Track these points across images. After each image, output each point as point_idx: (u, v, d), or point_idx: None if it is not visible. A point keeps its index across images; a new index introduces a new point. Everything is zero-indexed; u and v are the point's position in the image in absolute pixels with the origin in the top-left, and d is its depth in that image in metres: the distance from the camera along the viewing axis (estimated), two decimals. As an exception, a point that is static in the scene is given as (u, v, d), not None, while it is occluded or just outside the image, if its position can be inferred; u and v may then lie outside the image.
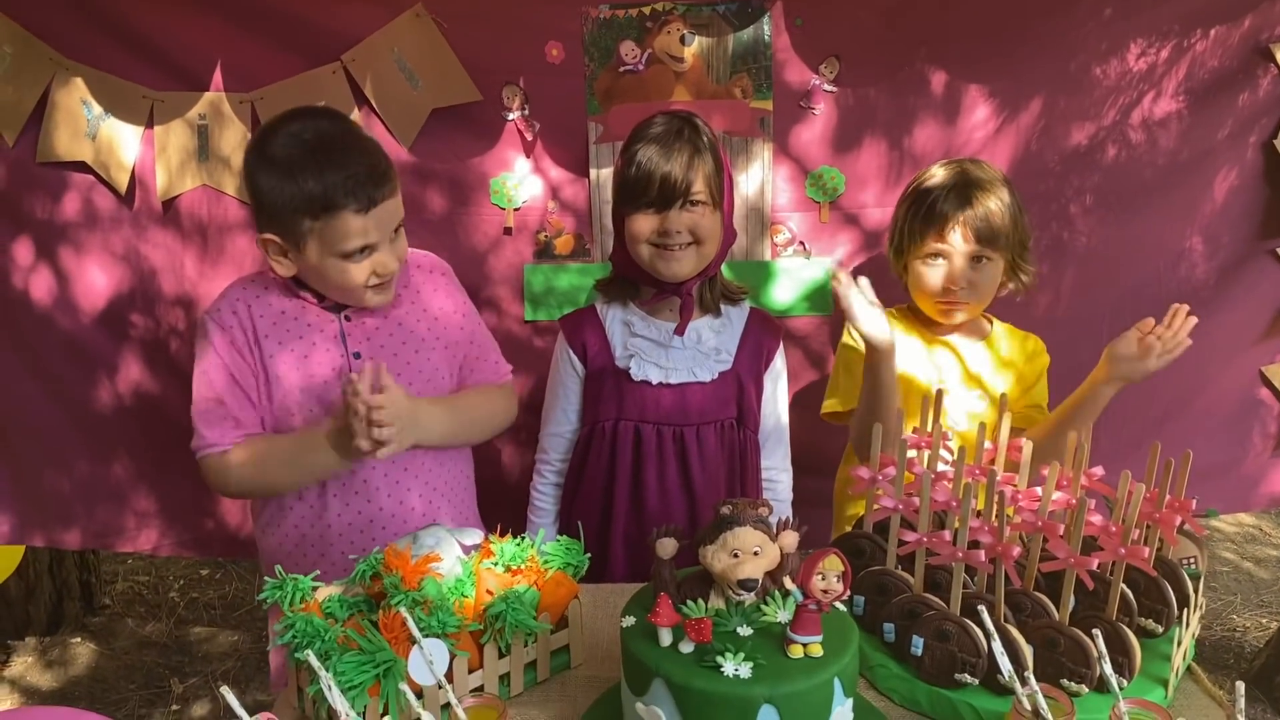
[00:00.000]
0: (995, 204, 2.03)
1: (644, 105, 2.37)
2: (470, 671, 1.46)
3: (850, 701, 1.29)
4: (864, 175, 2.44)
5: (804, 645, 1.25)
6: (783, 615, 1.29)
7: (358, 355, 1.91)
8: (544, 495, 2.14)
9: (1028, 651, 1.41)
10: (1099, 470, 1.62)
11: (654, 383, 2.00)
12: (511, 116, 2.41)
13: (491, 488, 2.22)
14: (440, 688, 1.31)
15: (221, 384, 1.88)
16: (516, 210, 2.47)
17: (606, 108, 2.41)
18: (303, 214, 1.74)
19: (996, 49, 2.36)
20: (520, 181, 2.45)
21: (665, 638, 1.27)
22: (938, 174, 2.09)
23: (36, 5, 2.34)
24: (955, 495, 1.55)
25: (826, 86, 2.40)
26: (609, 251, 2.15)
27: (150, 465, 2.66)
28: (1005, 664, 1.29)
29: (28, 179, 2.44)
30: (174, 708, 3.11)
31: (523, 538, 1.65)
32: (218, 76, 2.38)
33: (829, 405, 2.21)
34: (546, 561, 1.61)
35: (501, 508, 2.11)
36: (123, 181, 2.43)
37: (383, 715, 1.37)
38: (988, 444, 1.71)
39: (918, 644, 1.47)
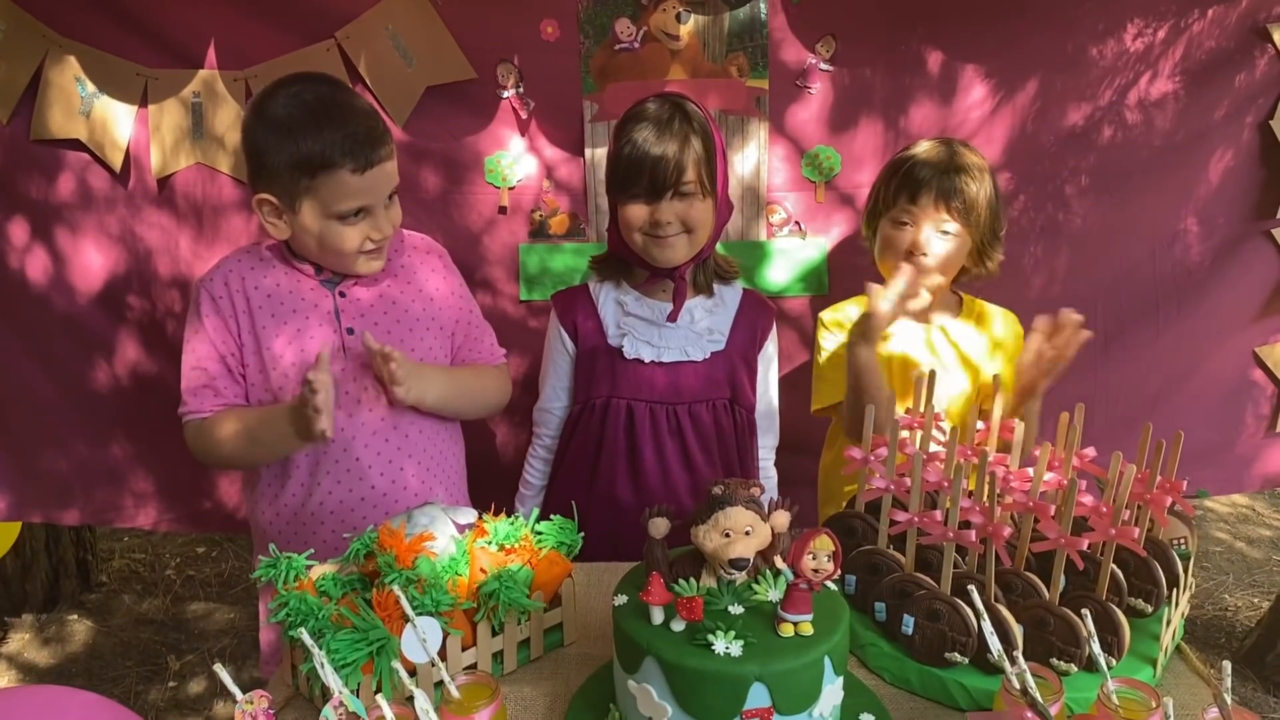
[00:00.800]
0: (972, 184, 2.01)
1: (639, 84, 2.37)
2: (463, 649, 1.47)
3: (840, 680, 1.29)
4: (860, 155, 2.44)
5: (795, 624, 1.25)
6: (774, 594, 1.29)
7: (351, 331, 1.91)
8: (534, 470, 2.16)
9: (1018, 631, 1.42)
10: (1091, 451, 1.63)
11: (646, 361, 2.00)
12: (506, 94, 2.40)
13: (485, 467, 2.23)
14: (433, 665, 1.32)
15: (204, 354, 1.90)
16: (511, 189, 2.46)
17: (602, 86, 2.40)
18: (299, 172, 1.76)
19: (993, 29, 2.35)
20: (515, 160, 2.44)
21: (657, 616, 1.28)
22: (923, 145, 2.09)
23: (29, -18, 2.32)
24: (947, 476, 1.56)
25: (823, 65, 2.39)
26: (604, 231, 2.15)
27: (147, 444, 2.67)
28: (995, 643, 1.30)
29: (21, 158, 2.43)
30: (170, 684, 3.12)
31: (516, 516, 1.66)
32: (211, 54, 2.37)
33: (824, 400, 2.19)
34: (540, 540, 1.61)
35: (494, 487, 2.12)
36: (117, 160, 2.42)
37: (376, 693, 1.37)
38: (980, 425, 1.72)
39: (908, 623, 1.48)
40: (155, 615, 3.48)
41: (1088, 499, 1.48)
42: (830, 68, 2.39)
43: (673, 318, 1.99)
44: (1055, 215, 2.46)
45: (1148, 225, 2.48)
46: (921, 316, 2.09)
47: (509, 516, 1.66)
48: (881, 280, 1.99)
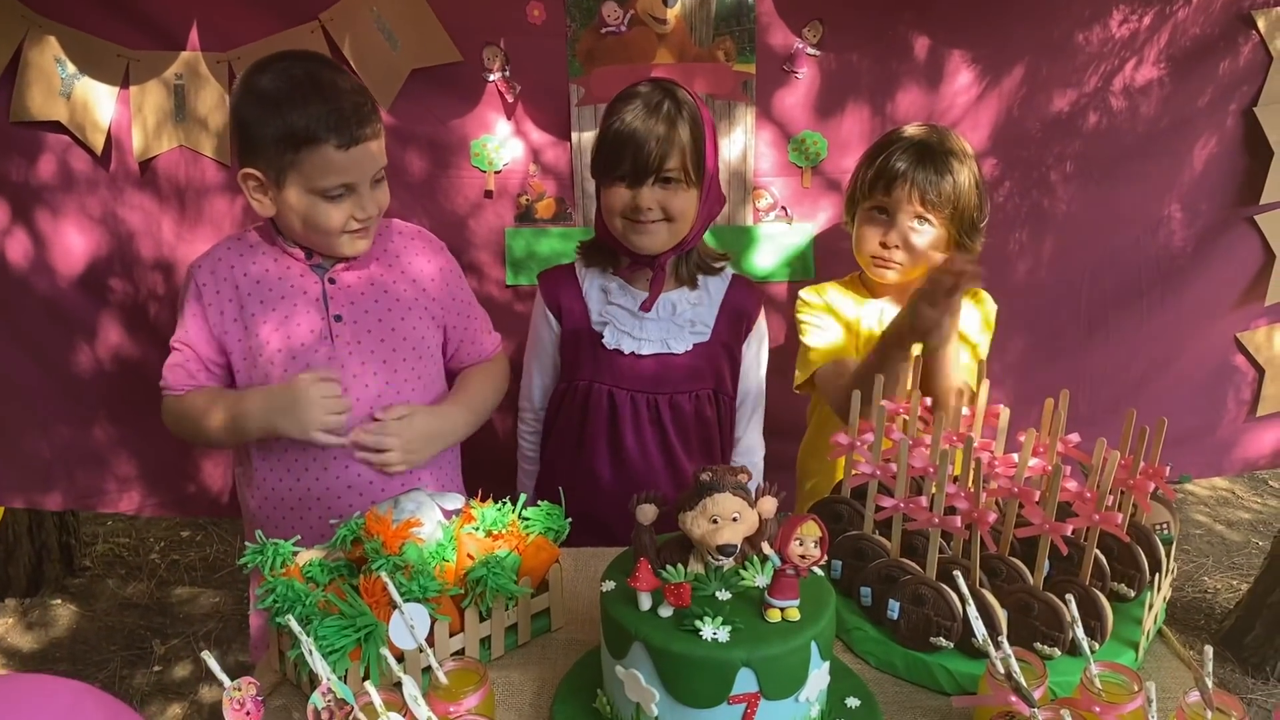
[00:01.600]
0: (950, 175, 1.98)
1: (626, 68, 2.35)
2: (451, 635, 1.48)
3: (827, 664, 1.30)
4: (847, 140, 2.43)
5: (781, 609, 1.26)
6: (761, 580, 1.30)
7: (339, 318, 1.90)
8: (529, 443, 2.19)
9: (1002, 615, 1.43)
10: (1075, 437, 1.64)
11: (626, 352, 2.00)
12: (492, 78, 2.38)
13: (477, 450, 2.22)
14: (421, 651, 1.32)
15: (184, 335, 1.94)
16: (497, 173, 2.45)
17: (588, 70, 2.39)
18: (284, 146, 1.76)
19: (980, 14, 2.35)
20: (501, 144, 2.43)
21: (645, 602, 1.28)
22: (905, 131, 2.07)
23: (7, -39, 2.29)
24: (932, 461, 1.56)
25: (810, 50, 2.38)
26: (591, 216, 2.14)
27: (131, 428, 2.65)
28: (980, 628, 1.32)
29: (1, 139, 2.39)
30: (155, 669, 3.11)
31: (504, 502, 1.66)
32: (194, 35, 2.34)
33: (807, 374, 2.17)
34: (527, 526, 1.62)
35: (486, 469, 2.12)
36: (98, 142, 2.39)
37: (364, 679, 1.38)
38: (965, 409, 1.72)
39: (894, 608, 1.49)
40: (140, 599, 3.47)
41: (1072, 484, 1.49)
42: (817, 52, 2.38)
43: (646, 307, 1.98)
44: (1040, 201, 2.47)
45: (1132, 211, 2.49)
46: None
47: (498, 502, 1.66)
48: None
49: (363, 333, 1.93)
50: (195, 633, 3.27)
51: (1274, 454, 2.76)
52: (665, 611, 1.27)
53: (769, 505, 1.35)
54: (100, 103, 2.37)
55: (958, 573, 1.36)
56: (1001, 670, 1.28)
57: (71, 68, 2.34)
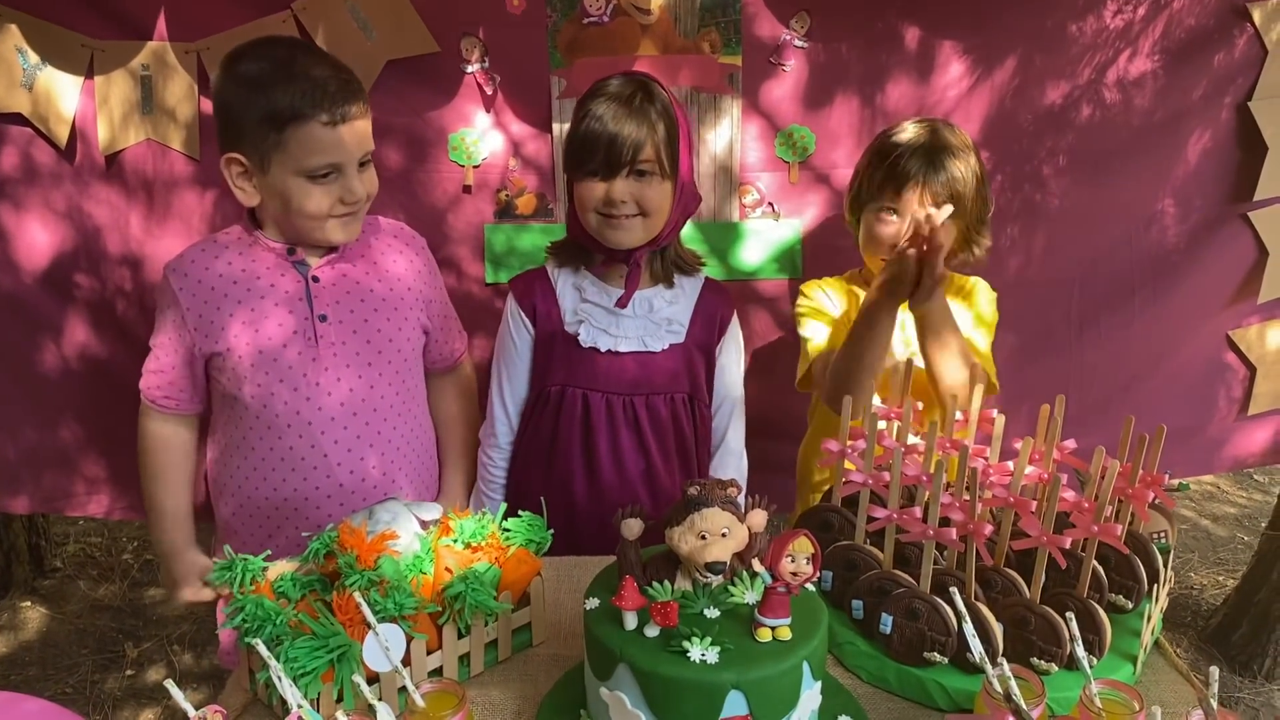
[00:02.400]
0: (959, 170, 1.96)
1: (609, 59, 2.30)
2: (429, 653, 1.42)
3: (819, 684, 1.26)
4: (835, 134, 2.39)
5: (772, 629, 1.22)
6: (750, 596, 1.26)
7: (324, 318, 1.85)
8: (497, 465, 2.08)
9: (998, 630, 1.39)
10: (1071, 443, 1.60)
11: (602, 350, 1.94)
12: (470, 69, 2.32)
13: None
14: (396, 673, 1.26)
15: (161, 340, 1.90)
16: (476, 167, 2.39)
17: (569, 61, 2.33)
18: (269, 126, 1.71)
19: (971, 3, 2.31)
20: (480, 137, 2.37)
21: (630, 621, 1.24)
22: (908, 130, 2.03)
23: (-34, -54, 2.21)
24: (926, 470, 1.52)
25: (797, 42, 2.33)
26: (572, 213, 2.08)
27: (99, 428, 2.58)
28: (976, 645, 1.27)
29: (-39, 131, 2.32)
30: (128, 673, 3.05)
31: (483, 513, 1.61)
32: (161, 25, 2.27)
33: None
34: (508, 538, 1.56)
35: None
36: (62, 134, 2.31)
37: (337, 701, 1.32)
38: (958, 415, 1.68)
39: (886, 622, 1.45)
40: (112, 601, 3.40)
41: (1069, 494, 1.45)
42: (805, 44, 2.33)
43: (622, 303, 1.93)
44: (1032, 196, 2.43)
45: (1125, 206, 2.46)
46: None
47: (475, 512, 1.61)
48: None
49: (348, 334, 1.87)
50: (169, 635, 3.20)
51: (1264, 452, 2.74)
52: (651, 631, 1.23)
53: (759, 519, 1.30)
54: (64, 94, 2.29)
55: (954, 589, 1.31)
56: (999, 689, 1.24)
57: (34, 57, 2.26)
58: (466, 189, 2.40)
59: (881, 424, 1.61)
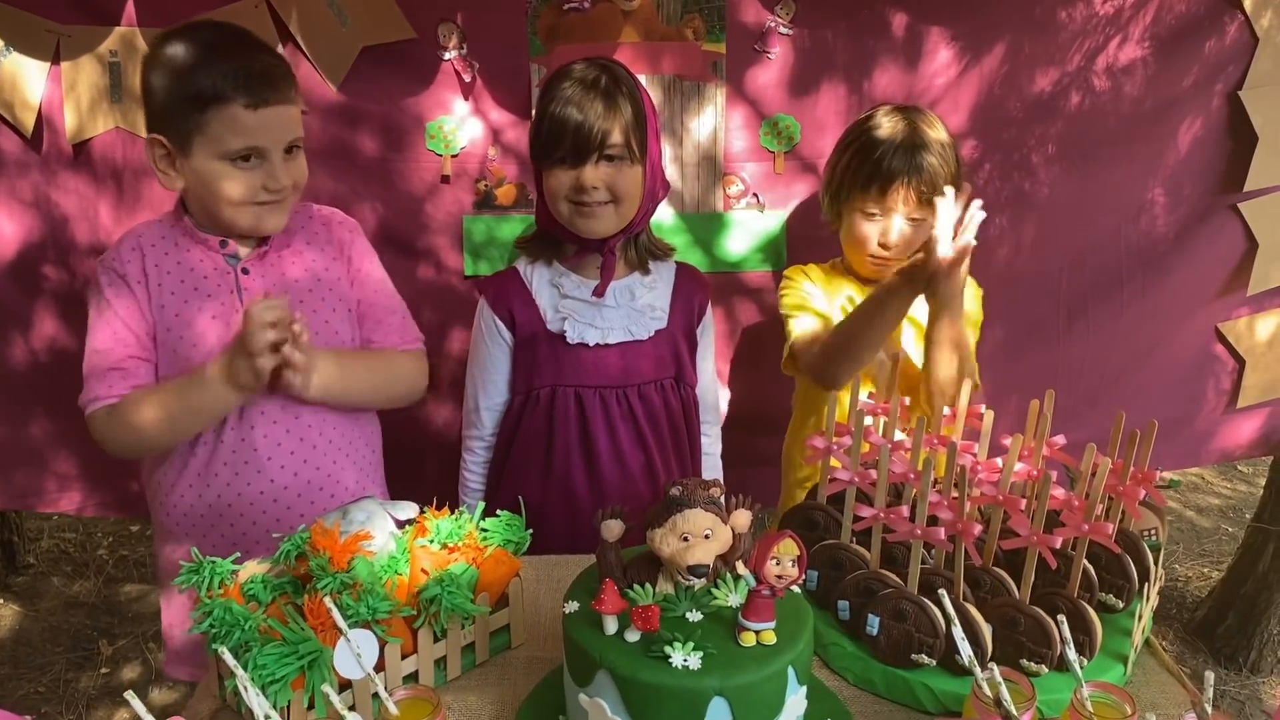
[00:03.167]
0: (941, 165, 1.97)
1: (590, 46, 2.25)
2: (404, 657, 1.38)
3: (804, 689, 1.23)
4: (821, 122, 2.35)
5: (756, 633, 1.18)
6: (734, 599, 1.22)
7: None
8: (476, 474, 2.04)
9: (987, 632, 1.36)
10: (1060, 439, 1.57)
11: (591, 344, 1.91)
12: (448, 56, 2.27)
13: (421, 454, 2.12)
14: (370, 680, 1.22)
15: (108, 334, 1.78)
16: (454, 157, 2.34)
17: (550, 48, 2.28)
18: (190, 107, 1.67)
19: (960, -11, 2.27)
20: (458, 126, 2.32)
21: (610, 626, 1.20)
22: (884, 124, 2.01)
23: (-75, -72, 2.14)
24: (913, 466, 1.49)
25: (783, 29, 2.29)
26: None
27: (70, 423, 2.50)
28: (965, 649, 1.24)
29: (-77, 119, 2.26)
30: (103, 671, 3.00)
31: (461, 512, 1.57)
32: (130, 9, 2.21)
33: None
34: (486, 538, 1.52)
35: (432, 473, 2.02)
36: (28, 122, 2.25)
37: (309, 709, 1.28)
38: (946, 410, 1.65)
39: (873, 623, 1.42)
40: (86, 598, 3.34)
41: (1059, 492, 1.42)
42: (790, 31, 2.29)
43: (599, 292, 1.90)
44: (1021, 185, 2.40)
45: (1114, 196, 2.43)
46: None
47: (452, 512, 1.57)
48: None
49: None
50: (144, 633, 3.15)
51: (1250, 444, 2.72)
52: (632, 635, 1.19)
53: (743, 519, 1.27)
54: (30, 80, 2.23)
55: (943, 592, 1.28)
56: (989, 693, 1.21)
57: (-2, 42, 2.20)
58: (445, 179, 2.35)
59: (868, 419, 1.58)
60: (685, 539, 1.21)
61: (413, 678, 1.39)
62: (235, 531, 1.82)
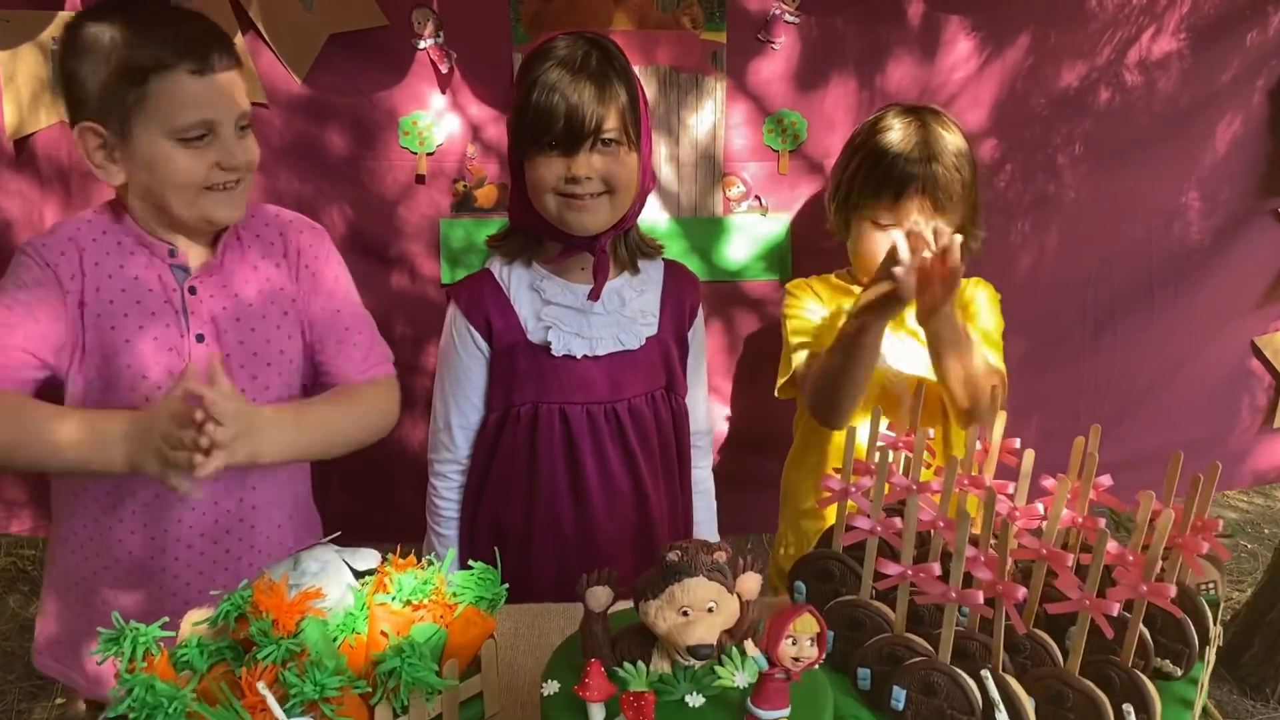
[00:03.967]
0: (956, 169, 1.87)
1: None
2: (359, 737, 1.20)
3: (823, 785, 1.06)
4: (830, 119, 2.22)
5: (769, 722, 1.02)
6: (740, 678, 1.06)
7: (200, 338, 1.62)
8: (450, 502, 1.86)
9: (1029, 706, 1.19)
10: (1107, 479, 1.40)
11: (578, 356, 1.76)
12: (423, 45, 2.13)
13: (395, 480, 1.96)
14: (311, 781, 1.05)
15: (10, 321, 1.55)
16: (430, 155, 2.19)
17: (534, 36, 2.12)
18: (128, 83, 1.50)
19: (980, -26, 2.16)
20: (434, 121, 2.17)
21: (597, 714, 1.05)
22: (896, 128, 1.91)
23: None
24: (943, 511, 1.31)
25: (788, 16, 2.16)
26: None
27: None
28: (1011, 737, 1.07)
29: None
30: (58, 701, 2.85)
31: (426, 562, 1.39)
32: (74, -9, 2.05)
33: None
34: (456, 594, 1.34)
35: (407, 501, 1.89)
36: (-37, 116, 2.09)
37: (243, 805, 1.10)
38: (977, 445, 1.47)
39: (899, 696, 1.24)
40: (45, 621, 3.17)
41: (1111, 545, 1.25)
42: (797, 19, 2.16)
43: (594, 296, 1.76)
44: (1046, 187, 2.28)
45: (1145, 200, 2.31)
46: None
47: (418, 560, 1.39)
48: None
49: (225, 358, 1.60)
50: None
51: (1286, 466, 2.59)
52: (622, 726, 1.02)
53: (751, 585, 1.11)
54: (-36, 71, 2.06)
55: (986, 673, 1.10)
56: (1037, 789, 1.04)
57: (-72, 29, 2.03)
58: (420, 179, 2.21)
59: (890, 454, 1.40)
60: (685, 613, 1.05)
61: (368, 764, 1.21)
62: (156, 586, 1.66)
